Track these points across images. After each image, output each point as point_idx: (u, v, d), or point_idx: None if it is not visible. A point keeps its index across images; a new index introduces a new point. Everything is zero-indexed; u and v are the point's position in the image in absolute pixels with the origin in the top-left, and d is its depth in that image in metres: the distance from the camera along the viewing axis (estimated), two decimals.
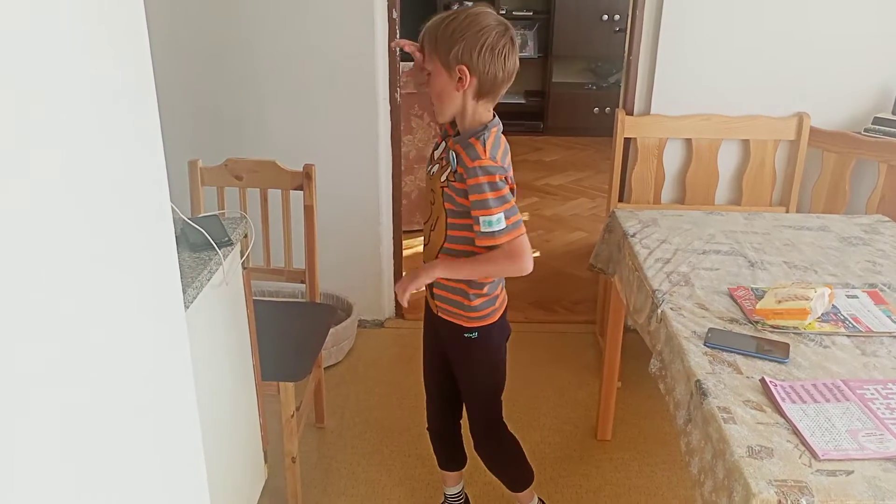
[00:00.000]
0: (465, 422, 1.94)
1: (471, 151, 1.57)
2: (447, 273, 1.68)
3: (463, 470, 2.06)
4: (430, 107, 4.09)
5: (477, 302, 1.70)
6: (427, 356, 1.95)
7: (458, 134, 1.65)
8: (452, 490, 2.08)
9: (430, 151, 1.75)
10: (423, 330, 1.92)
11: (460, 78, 1.55)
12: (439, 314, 1.76)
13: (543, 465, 2.36)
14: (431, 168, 1.71)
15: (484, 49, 1.53)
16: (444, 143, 1.69)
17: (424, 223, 1.78)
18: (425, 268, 1.68)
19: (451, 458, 2.03)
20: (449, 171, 1.61)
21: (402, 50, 2.85)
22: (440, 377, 1.90)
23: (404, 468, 2.33)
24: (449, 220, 1.66)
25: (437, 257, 1.70)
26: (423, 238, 1.79)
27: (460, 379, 1.85)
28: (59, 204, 0.80)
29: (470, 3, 5.75)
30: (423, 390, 1.98)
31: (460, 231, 1.65)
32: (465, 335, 1.74)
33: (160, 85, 1.06)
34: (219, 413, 1.72)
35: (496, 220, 1.56)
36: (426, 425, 2.01)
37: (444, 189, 1.63)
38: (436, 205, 1.69)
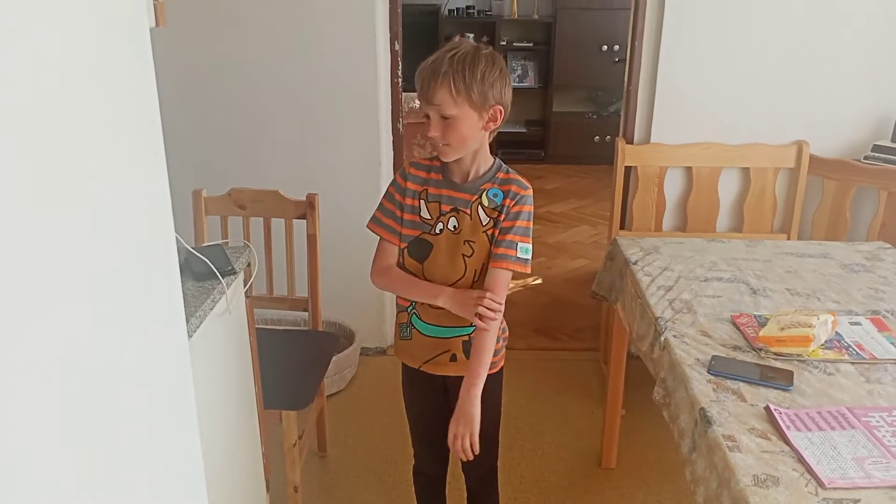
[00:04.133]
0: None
1: (516, 182, 1.61)
2: (484, 372, 1.59)
3: None
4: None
5: (500, 345, 1.71)
6: (427, 411, 1.84)
7: (444, 178, 1.62)
8: None
9: (415, 214, 1.64)
10: (414, 388, 1.83)
11: (492, 117, 1.54)
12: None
13: (548, 494, 2.34)
14: (446, 224, 1.62)
15: (510, 86, 1.56)
16: (440, 196, 1.62)
17: (451, 285, 1.63)
18: (471, 401, 1.56)
19: (438, 503, 2.01)
20: (491, 212, 1.59)
21: (403, 80, 2.89)
22: (443, 428, 1.84)
23: (407, 497, 2.31)
24: (488, 264, 1.62)
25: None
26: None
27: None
28: (63, 233, 0.81)
29: (470, 36, 5.84)
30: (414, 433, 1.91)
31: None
32: (496, 379, 1.72)
33: (165, 115, 1.07)
34: (221, 441, 1.71)
35: (529, 249, 1.61)
36: (416, 471, 1.95)
37: (489, 233, 1.61)
38: (474, 256, 1.62)
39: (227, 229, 2.29)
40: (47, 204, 0.77)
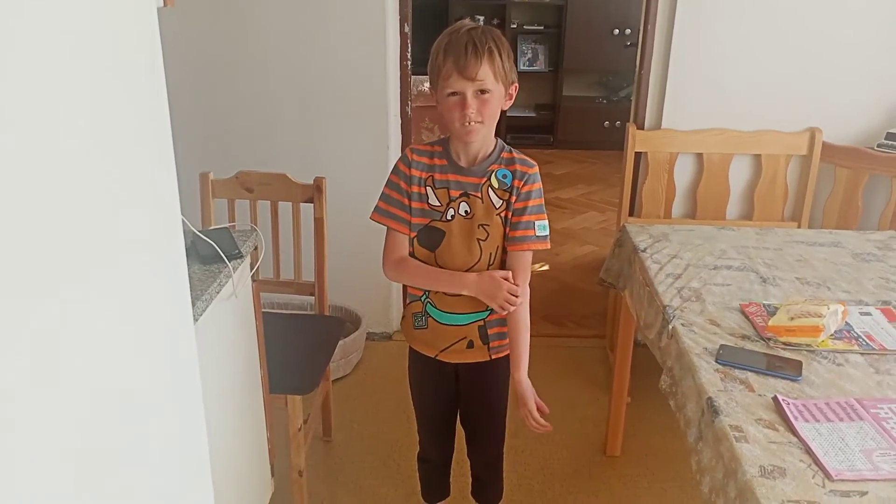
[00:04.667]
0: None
1: (521, 161, 1.61)
2: (527, 350, 1.68)
3: (447, 499, 2.04)
4: (440, 119, 4.11)
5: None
6: (435, 398, 1.84)
7: (449, 163, 1.62)
8: None
9: (423, 202, 1.63)
10: (424, 376, 1.82)
11: (509, 95, 1.57)
12: (493, 356, 1.73)
13: (552, 481, 2.34)
14: (457, 209, 1.61)
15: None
16: (448, 182, 1.61)
17: (466, 271, 1.63)
18: (524, 382, 1.67)
19: (443, 489, 2.01)
20: (502, 194, 1.59)
21: (412, 63, 2.87)
22: (451, 414, 1.86)
23: (412, 482, 2.31)
24: (505, 246, 1.63)
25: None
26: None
27: (487, 411, 1.82)
28: (70, 216, 0.80)
29: (480, 19, 5.79)
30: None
31: (506, 254, 1.65)
32: (507, 363, 1.73)
33: (172, 98, 1.06)
34: (226, 425, 1.71)
35: (546, 225, 1.63)
36: (422, 457, 1.96)
37: (502, 215, 1.61)
38: (489, 239, 1.61)
39: (234, 212, 2.28)
40: (51, 187, 0.76)
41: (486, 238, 1.62)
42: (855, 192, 2.74)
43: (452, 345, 1.71)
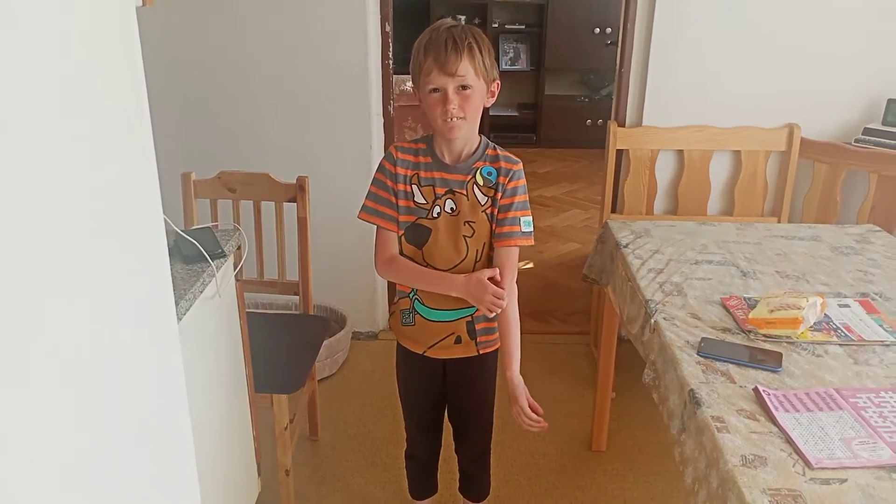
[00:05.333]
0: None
1: (506, 158, 1.63)
2: (518, 347, 1.67)
3: (435, 496, 2.04)
4: (423, 119, 4.11)
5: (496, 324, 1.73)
6: (423, 394, 1.84)
7: (434, 161, 1.62)
8: None
9: (409, 199, 1.63)
10: (412, 373, 1.82)
11: (491, 92, 1.58)
12: (481, 351, 1.74)
13: (538, 477, 2.35)
14: (443, 207, 1.62)
15: None
16: (433, 179, 1.62)
17: (453, 268, 1.64)
18: (515, 379, 1.64)
19: (431, 486, 2.01)
20: (487, 191, 1.61)
21: (394, 62, 2.87)
22: (438, 411, 1.87)
23: (399, 480, 2.32)
24: (492, 243, 1.64)
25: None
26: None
27: (475, 407, 1.83)
28: (51, 216, 0.80)
29: (462, 18, 5.80)
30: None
31: (492, 251, 1.66)
32: (495, 358, 1.76)
33: (153, 97, 1.06)
34: (212, 425, 1.71)
35: (531, 221, 1.64)
36: (409, 454, 1.95)
37: (488, 212, 1.62)
38: (475, 236, 1.62)
39: (216, 212, 2.27)
40: (32, 188, 0.76)
41: (473, 235, 1.63)
42: (833, 187, 2.78)
43: (440, 341, 1.71)
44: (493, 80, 1.58)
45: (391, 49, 2.85)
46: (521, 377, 1.66)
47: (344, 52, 2.80)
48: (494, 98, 1.60)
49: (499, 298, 1.60)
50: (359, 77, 2.83)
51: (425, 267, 1.65)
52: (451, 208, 1.62)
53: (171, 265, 1.19)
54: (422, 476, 2.00)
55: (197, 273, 1.61)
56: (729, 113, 2.82)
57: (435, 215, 1.63)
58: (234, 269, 1.87)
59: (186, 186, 2.25)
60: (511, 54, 6.15)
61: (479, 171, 1.61)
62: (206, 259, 1.65)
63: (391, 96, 2.92)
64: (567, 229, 4.50)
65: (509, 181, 1.61)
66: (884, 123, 2.74)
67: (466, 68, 1.50)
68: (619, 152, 2.87)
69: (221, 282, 1.71)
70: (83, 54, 0.87)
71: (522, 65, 6.16)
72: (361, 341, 3.12)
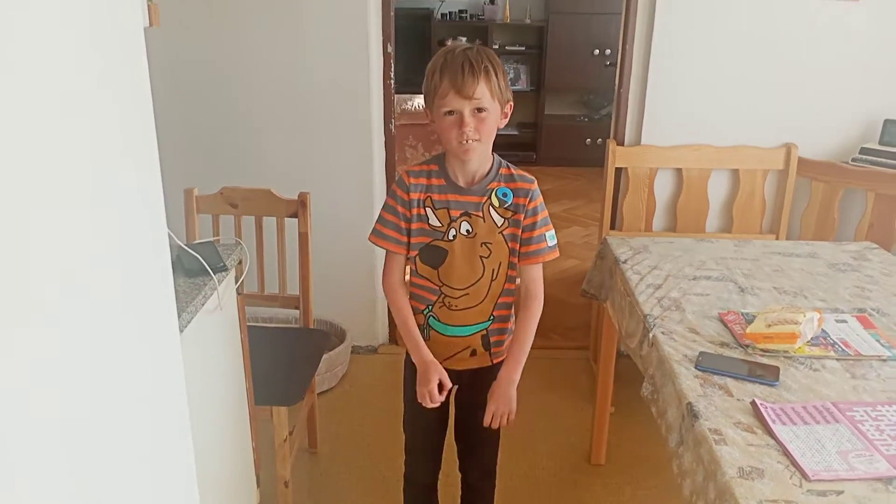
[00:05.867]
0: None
1: (521, 178, 1.64)
2: (524, 360, 1.67)
3: None
4: (424, 137, 4.14)
5: (507, 337, 1.74)
6: (432, 415, 1.76)
7: (447, 183, 1.62)
8: None
9: (423, 222, 1.64)
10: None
11: (504, 113, 1.59)
12: (494, 361, 1.74)
13: (538, 490, 2.35)
14: (459, 229, 1.62)
15: None
16: (447, 202, 1.62)
17: (469, 287, 1.66)
18: (511, 385, 1.63)
19: None
20: (504, 213, 1.62)
21: (395, 82, 2.91)
22: (443, 431, 1.86)
23: (397, 493, 2.30)
24: (510, 261, 1.66)
25: (492, 308, 1.69)
26: (452, 304, 1.67)
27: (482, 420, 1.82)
28: (55, 229, 0.82)
29: (463, 39, 5.86)
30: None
31: (513, 270, 1.68)
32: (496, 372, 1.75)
33: (158, 113, 1.08)
34: (212, 437, 1.72)
35: (554, 234, 1.68)
36: (408, 480, 1.92)
37: (505, 233, 1.64)
38: (492, 256, 1.64)
39: (218, 228, 2.29)
40: (39, 201, 0.78)
41: (489, 256, 1.65)
42: (831, 205, 2.80)
43: (455, 354, 1.72)
44: (507, 102, 1.58)
45: (392, 69, 2.89)
46: (515, 379, 1.65)
47: (346, 71, 2.84)
48: (507, 119, 1.61)
49: (432, 401, 1.60)
50: (361, 96, 2.86)
51: (440, 287, 1.66)
52: (468, 230, 1.63)
53: (173, 278, 1.20)
54: (422, 498, 1.96)
55: (199, 286, 1.62)
56: (727, 132, 2.85)
57: (451, 238, 1.64)
58: (236, 283, 1.89)
59: (189, 202, 2.27)
60: (511, 75, 6.20)
61: (494, 193, 1.62)
62: (209, 272, 1.66)
63: (392, 115, 2.95)
64: (567, 246, 4.51)
65: (529, 201, 1.63)
66: (881, 143, 2.77)
67: (483, 91, 1.51)
68: (618, 170, 2.90)
69: (223, 295, 1.73)
70: (93, 72, 0.89)
71: (523, 85, 6.22)
72: (361, 355, 3.12)
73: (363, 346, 3.16)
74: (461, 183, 1.63)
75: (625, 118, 2.90)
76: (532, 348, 3.13)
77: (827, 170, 2.80)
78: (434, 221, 1.64)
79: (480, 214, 1.62)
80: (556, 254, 1.69)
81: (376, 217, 1.70)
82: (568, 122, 6.21)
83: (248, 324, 2.00)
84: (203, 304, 1.61)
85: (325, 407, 2.73)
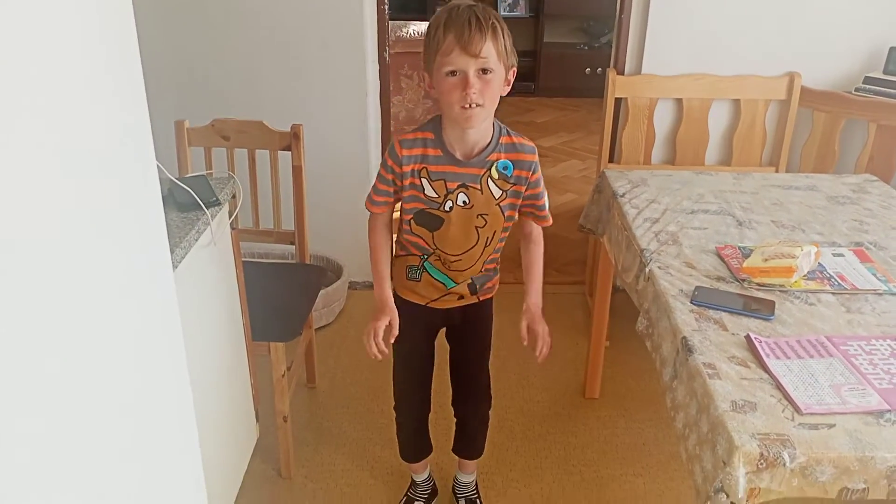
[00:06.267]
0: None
1: (522, 148, 1.60)
2: (540, 293, 1.73)
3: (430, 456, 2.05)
4: (419, 66, 4.05)
5: (494, 277, 1.77)
6: (422, 352, 1.83)
7: (444, 154, 1.56)
8: (423, 475, 2.07)
9: (417, 191, 1.59)
10: (411, 324, 1.74)
11: (507, 80, 1.52)
12: (481, 298, 1.76)
13: (532, 423, 2.39)
14: (455, 200, 1.59)
15: None
16: (444, 173, 1.57)
17: (463, 253, 1.66)
18: (537, 307, 1.70)
19: (426, 446, 2.02)
20: (502, 185, 1.60)
21: (390, 7, 2.82)
22: (431, 367, 1.87)
23: (394, 428, 2.36)
24: (504, 226, 1.66)
25: (482, 265, 1.70)
26: (447, 262, 1.67)
27: (477, 355, 1.85)
28: (43, 165, 0.79)
29: None
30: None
31: (506, 232, 1.69)
32: (492, 304, 1.80)
33: (146, 45, 1.04)
34: (209, 373, 1.73)
35: (546, 196, 1.68)
36: (402, 418, 1.94)
37: (503, 203, 1.62)
38: (487, 226, 1.63)
39: (210, 161, 2.26)
40: (25, 138, 0.75)
41: (485, 225, 1.63)
42: (832, 137, 2.76)
43: (442, 297, 1.74)
44: (512, 67, 1.51)
45: None
46: (538, 304, 1.70)
47: None
48: (510, 86, 1.53)
49: (370, 343, 1.64)
50: (354, 22, 2.78)
51: (434, 250, 1.66)
52: (464, 202, 1.60)
53: (165, 213, 1.18)
54: (419, 439, 1.99)
55: (192, 221, 1.60)
56: (729, 61, 2.78)
57: (447, 209, 1.60)
58: (230, 218, 1.87)
59: (180, 134, 2.23)
60: (510, 0, 6.03)
61: (494, 166, 1.58)
62: (201, 207, 1.64)
63: (387, 42, 2.87)
64: (564, 180, 4.48)
65: (532, 174, 1.61)
66: (885, 72, 2.71)
67: (489, 50, 1.43)
68: (618, 101, 2.84)
69: (217, 230, 1.71)
70: (72, 3, 0.85)
71: (521, 11, 6.05)
72: (358, 290, 3.13)
73: (360, 282, 3.16)
74: (459, 155, 1.57)
75: (626, 46, 2.82)
76: None
77: (829, 99, 2.75)
78: (430, 192, 1.59)
79: (478, 187, 1.58)
80: (548, 222, 1.73)
81: (372, 176, 1.69)
82: (567, 50, 6.07)
83: (244, 259, 1.99)
84: (196, 240, 1.60)
85: (322, 342, 2.75)
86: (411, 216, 1.64)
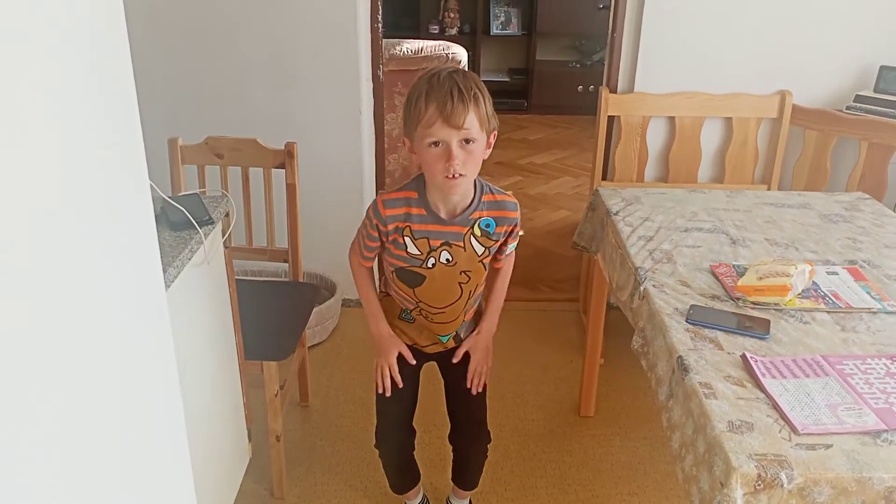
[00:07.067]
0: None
1: (505, 204, 1.61)
2: (496, 319, 1.76)
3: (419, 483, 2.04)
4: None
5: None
6: (407, 387, 1.79)
7: (427, 213, 1.57)
8: (416, 501, 2.05)
9: (401, 250, 1.60)
10: (398, 368, 1.75)
11: (488, 143, 1.52)
12: (463, 336, 1.78)
13: (526, 442, 2.38)
14: (438, 258, 1.59)
15: None
16: (428, 232, 1.58)
17: (447, 307, 1.66)
18: (489, 333, 1.74)
19: (415, 476, 2.01)
20: (485, 241, 1.61)
21: (383, 26, 2.83)
22: (415, 404, 1.86)
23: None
24: (486, 277, 1.70)
25: (464, 315, 1.72)
26: (429, 315, 1.68)
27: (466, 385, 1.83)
28: (36, 184, 0.78)
29: None
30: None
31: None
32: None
33: (139, 62, 1.04)
34: (202, 392, 1.71)
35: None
36: (386, 449, 1.90)
37: (485, 260, 1.65)
38: (470, 282, 1.65)
39: (204, 179, 2.25)
40: (17, 154, 0.74)
41: (468, 281, 1.65)
42: (823, 155, 2.77)
43: (429, 345, 1.77)
44: (493, 131, 1.51)
45: (380, 12, 2.81)
46: (490, 335, 1.73)
47: (333, 15, 2.75)
48: (491, 148, 1.54)
49: (384, 380, 1.73)
50: (348, 40, 2.78)
51: (417, 303, 1.67)
52: (447, 259, 1.60)
53: (158, 232, 1.18)
54: (404, 471, 1.97)
55: (185, 240, 1.59)
56: (721, 79, 2.80)
57: (430, 266, 1.61)
58: (223, 236, 1.86)
59: (173, 152, 2.22)
60: (502, 18, 6.07)
61: (477, 224, 1.59)
62: (194, 226, 1.63)
63: (381, 60, 2.88)
64: (557, 197, 4.48)
65: (512, 230, 1.65)
66: (875, 90, 2.73)
67: (472, 121, 1.43)
68: (611, 119, 2.85)
69: (210, 249, 1.70)
70: (66, 18, 0.85)
71: (514, 29, 6.09)
72: (352, 308, 3.12)
73: (353, 300, 3.14)
74: (443, 214, 1.58)
75: (618, 64, 2.84)
76: (522, 300, 3.16)
77: (821, 118, 2.77)
78: (413, 250, 1.60)
79: (462, 244, 1.59)
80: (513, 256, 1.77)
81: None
82: (560, 68, 6.10)
83: (237, 278, 1.98)
84: (189, 259, 1.58)
85: (315, 361, 2.73)
86: (393, 269, 1.66)
